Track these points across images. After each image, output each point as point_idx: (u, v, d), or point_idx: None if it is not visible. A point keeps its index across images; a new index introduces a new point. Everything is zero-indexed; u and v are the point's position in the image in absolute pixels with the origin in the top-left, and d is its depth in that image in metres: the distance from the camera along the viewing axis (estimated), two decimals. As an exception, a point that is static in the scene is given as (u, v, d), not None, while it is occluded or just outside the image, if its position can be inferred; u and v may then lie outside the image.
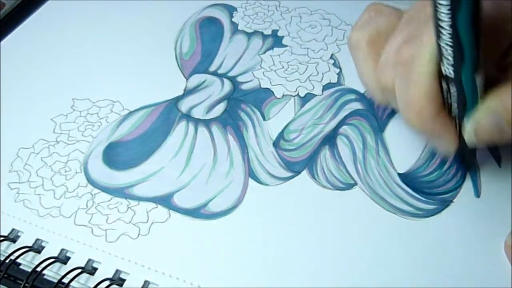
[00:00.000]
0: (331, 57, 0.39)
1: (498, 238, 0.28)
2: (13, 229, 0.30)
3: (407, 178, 0.31)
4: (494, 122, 0.24)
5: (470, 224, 0.29)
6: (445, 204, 0.30)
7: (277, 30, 0.41)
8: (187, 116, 0.36)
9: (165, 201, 0.31)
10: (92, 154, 0.34)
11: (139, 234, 0.30)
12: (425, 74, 0.24)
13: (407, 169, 0.32)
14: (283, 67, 0.39)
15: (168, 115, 0.36)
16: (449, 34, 0.21)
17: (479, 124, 0.24)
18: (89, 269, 0.28)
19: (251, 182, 0.32)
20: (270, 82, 0.37)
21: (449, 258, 0.28)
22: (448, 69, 0.23)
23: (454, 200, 0.30)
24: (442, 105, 0.25)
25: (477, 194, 0.30)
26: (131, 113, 0.36)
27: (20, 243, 0.30)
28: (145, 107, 0.36)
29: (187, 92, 0.37)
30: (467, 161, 0.31)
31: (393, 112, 0.34)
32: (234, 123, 0.35)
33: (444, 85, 0.24)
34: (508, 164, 0.31)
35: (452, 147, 0.26)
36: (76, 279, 0.27)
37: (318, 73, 0.38)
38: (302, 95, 0.36)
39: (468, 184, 0.31)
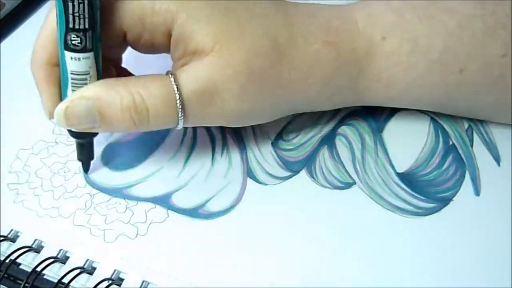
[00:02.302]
0: (330, 57, 0.39)
1: (498, 237, 0.28)
2: (12, 229, 0.30)
3: (406, 178, 0.31)
4: (87, 107, 0.26)
5: (469, 222, 0.29)
6: (445, 202, 0.30)
7: (276, 31, 0.41)
8: (186, 117, 0.36)
9: (164, 201, 0.31)
10: (91, 155, 0.34)
11: (137, 234, 0.30)
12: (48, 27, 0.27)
13: (406, 168, 0.32)
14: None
15: (167, 115, 0.36)
16: None
17: (72, 104, 0.26)
18: (88, 269, 0.28)
19: (249, 181, 0.32)
20: (269, 82, 0.37)
21: (449, 256, 0.28)
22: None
23: (453, 199, 0.30)
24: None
25: (477, 192, 0.30)
26: (130, 113, 0.36)
27: (19, 243, 0.30)
28: (144, 107, 0.36)
29: (186, 93, 0.37)
30: (78, 156, 0.31)
31: (391, 113, 0.34)
32: (233, 123, 0.35)
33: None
34: (508, 163, 0.31)
35: (48, 109, 0.28)
36: (75, 279, 0.27)
37: (317, 73, 0.38)
38: (301, 95, 0.36)
39: (467, 182, 0.31)
